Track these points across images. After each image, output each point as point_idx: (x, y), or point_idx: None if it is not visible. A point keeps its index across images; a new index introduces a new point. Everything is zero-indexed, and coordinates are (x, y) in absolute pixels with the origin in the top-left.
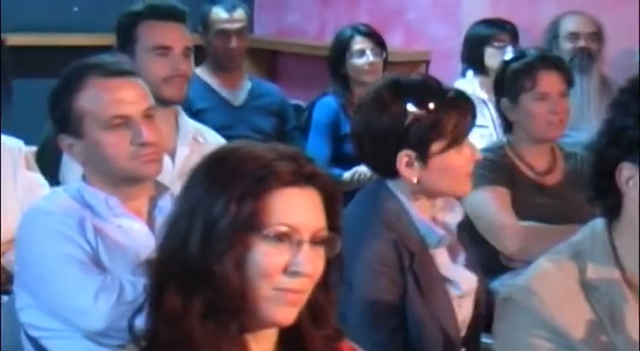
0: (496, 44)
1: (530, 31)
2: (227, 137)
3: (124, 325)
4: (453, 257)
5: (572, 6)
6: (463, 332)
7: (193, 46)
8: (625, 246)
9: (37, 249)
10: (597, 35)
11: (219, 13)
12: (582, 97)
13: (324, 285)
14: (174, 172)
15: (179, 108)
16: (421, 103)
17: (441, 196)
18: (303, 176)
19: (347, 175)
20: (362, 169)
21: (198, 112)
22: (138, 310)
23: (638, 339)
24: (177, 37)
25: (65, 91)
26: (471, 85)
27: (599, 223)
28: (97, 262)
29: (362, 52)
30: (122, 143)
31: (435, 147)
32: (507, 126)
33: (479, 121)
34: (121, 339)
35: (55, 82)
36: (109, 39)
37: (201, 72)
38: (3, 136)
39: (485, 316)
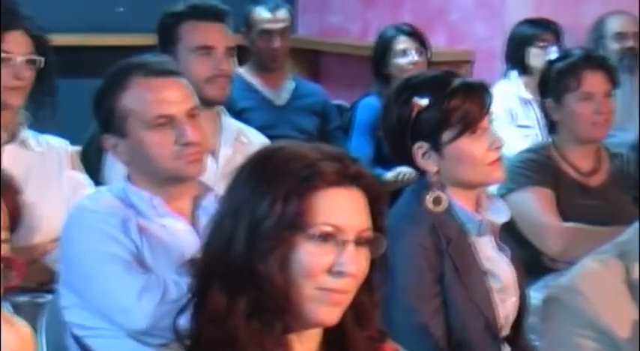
0: (540, 44)
1: (573, 31)
2: (269, 137)
3: (168, 325)
4: (499, 251)
5: (616, 5)
6: (506, 331)
7: (236, 46)
8: None
9: (81, 248)
10: None
11: (262, 13)
12: (629, 98)
13: (368, 286)
14: (216, 173)
15: (222, 108)
16: (426, 95)
17: (470, 185)
18: (348, 176)
19: (389, 175)
20: (404, 169)
21: (241, 111)
22: (182, 310)
23: None
24: (219, 37)
25: (109, 91)
26: (514, 85)
27: None
28: (141, 262)
29: (405, 52)
30: (166, 143)
31: (446, 136)
32: (551, 126)
33: (522, 121)
34: (165, 338)
35: (100, 82)
36: (153, 39)
37: (244, 72)
38: (48, 136)
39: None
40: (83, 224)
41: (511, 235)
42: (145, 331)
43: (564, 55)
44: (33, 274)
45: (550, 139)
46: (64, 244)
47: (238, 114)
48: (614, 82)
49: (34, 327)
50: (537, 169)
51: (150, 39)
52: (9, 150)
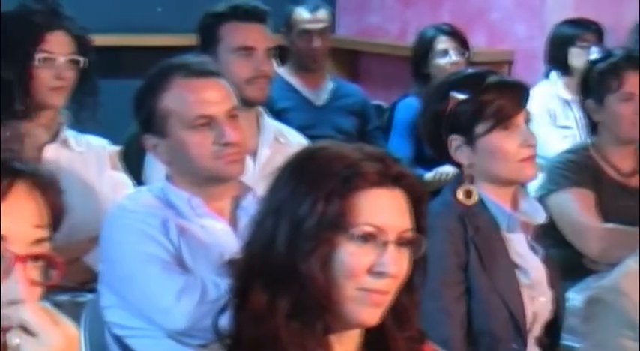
0: (580, 44)
1: (614, 31)
2: (308, 137)
3: (207, 325)
4: (531, 250)
5: None
6: (537, 331)
7: (276, 47)
8: None
9: (120, 248)
10: None
11: (302, 13)
12: None
13: (408, 286)
14: (256, 173)
15: (261, 108)
16: (462, 89)
17: (501, 181)
18: (390, 177)
19: (429, 175)
20: (444, 170)
21: (281, 111)
22: (222, 310)
23: None
24: (259, 37)
25: (150, 92)
26: (555, 85)
27: None
28: (180, 262)
29: (445, 52)
30: (205, 143)
31: (479, 129)
32: (592, 127)
33: (562, 122)
34: (204, 338)
35: (141, 83)
36: (193, 39)
37: (284, 72)
38: (89, 136)
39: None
40: (123, 224)
41: (552, 236)
42: (184, 331)
43: (605, 55)
44: (73, 273)
45: (590, 140)
46: (104, 244)
47: (278, 114)
48: None
49: None
50: (577, 170)
51: (189, 39)
52: (50, 150)
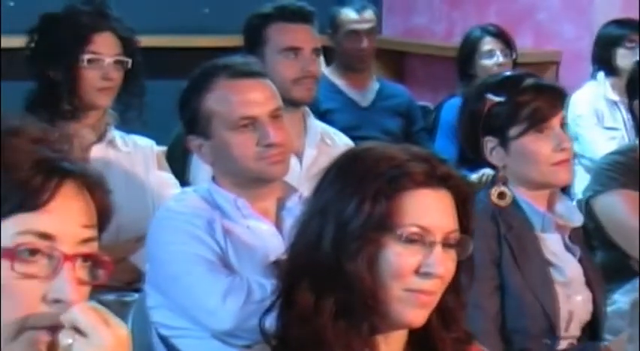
0: (628, 45)
1: None
2: (354, 138)
3: (252, 326)
4: (567, 250)
5: None
6: (575, 331)
7: (321, 47)
8: None
9: (167, 249)
10: None
11: (349, 13)
12: None
13: (454, 287)
14: (301, 174)
15: (307, 109)
16: (498, 92)
17: (535, 184)
18: (436, 178)
19: (474, 176)
20: (489, 171)
21: (326, 112)
22: (268, 310)
23: None
24: (306, 38)
25: (194, 92)
26: (601, 86)
27: None
28: (226, 263)
29: (491, 53)
30: (248, 144)
31: (513, 131)
32: (639, 128)
33: (609, 123)
34: (249, 339)
35: (186, 83)
36: (239, 40)
37: (329, 73)
38: (135, 136)
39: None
40: (169, 225)
41: (598, 238)
42: (230, 331)
43: None
44: (119, 272)
45: (638, 142)
46: (151, 245)
47: (323, 115)
48: None
49: None
50: (624, 171)
51: (235, 40)
52: (97, 150)
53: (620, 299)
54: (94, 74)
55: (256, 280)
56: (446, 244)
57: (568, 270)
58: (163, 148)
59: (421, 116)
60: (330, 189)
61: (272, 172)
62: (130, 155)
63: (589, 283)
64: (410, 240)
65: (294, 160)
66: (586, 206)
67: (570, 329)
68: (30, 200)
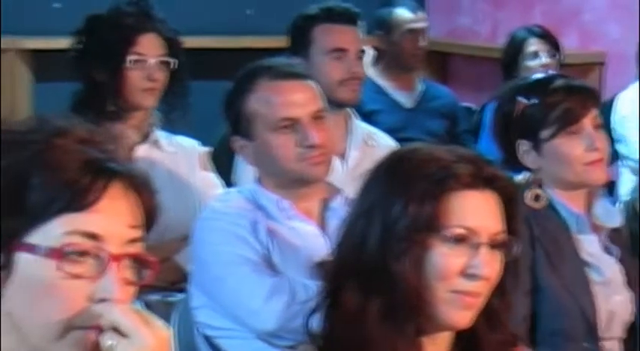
0: None
1: None
2: (398, 140)
3: (296, 327)
4: (605, 251)
5: None
6: (617, 331)
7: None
8: None
9: (211, 249)
10: None
11: (404, 13)
12: None
13: (500, 289)
14: (344, 175)
15: (351, 111)
16: (529, 95)
17: (569, 185)
18: (483, 179)
19: (518, 178)
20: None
21: (370, 113)
22: (313, 311)
23: None
24: (352, 39)
25: (237, 94)
26: None
27: None
28: (270, 264)
29: (535, 54)
30: (289, 145)
31: (545, 133)
32: None
33: None
34: (293, 340)
35: (230, 84)
36: (282, 41)
37: (374, 74)
38: (179, 137)
39: None
40: (214, 226)
41: None
42: (274, 332)
43: None
44: (164, 272)
45: None
46: (195, 245)
47: (367, 116)
48: None
49: None
50: None
51: (279, 41)
52: (141, 150)
53: None
54: (139, 75)
55: (300, 280)
56: (492, 246)
57: (606, 270)
58: (207, 149)
59: (465, 117)
60: (377, 190)
61: (313, 173)
62: (174, 156)
63: (630, 284)
64: (456, 241)
65: (337, 162)
66: (632, 208)
67: (612, 330)
68: (77, 201)
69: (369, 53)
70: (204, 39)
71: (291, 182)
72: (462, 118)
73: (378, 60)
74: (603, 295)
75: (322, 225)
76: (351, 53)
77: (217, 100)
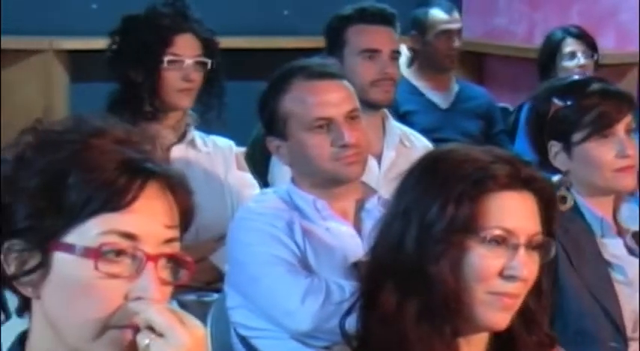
0: None
1: None
2: (434, 140)
3: (331, 327)
4: (629, 253)
5: None
6: None
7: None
8: None
9: (246, 250)
10: None
11: (439, 14)
12: None
13: (536, 290)
14: (380, 176)
15: (386, 111)
16: (564, 96)
17: (598, 190)
18: (520, 180)
19: (555, 179)
20: None
21: (405, 114)
22: (348, 312)
23: None
24: (385, 40)
25: (272, 94)
26: None
27: None
28: (305, 264)
29: (572, 55)
30: (324, 145)
31: (577, 136)
32: None
33: None
34: (328, 340)
35: (265, 85)
36: (318, 42)
37: (409, 74)
38: (215, 137)
39: None
40: (249, 227)
41: None
42: (308, 332)
43: None
44: (200, 272)
45: None
46: (231, 246)
47: (402, 117)
48: None
49: None
50: None
51: (315, 41)
52: (177, 150)
53: None
54: (175, 75)
55: (335, 281)
56: (529, 247)
57: (629, 270)
58: (243, 149)
59: (501, 118)
60: (413, 191)
61: (347, 172)
62: (210, 156)
63: None
64: (494, 242)
65: (373, 162)
66: None
67: (638, 330)
68: (114, 200)
69: (405, 54)
70: (241, 39)
71: (325, 182)
72: (498, 118)
73: (412, 61)
74: (626, 294)
75: (358, 225)
76: (384, 54)
77: (253, 100)
